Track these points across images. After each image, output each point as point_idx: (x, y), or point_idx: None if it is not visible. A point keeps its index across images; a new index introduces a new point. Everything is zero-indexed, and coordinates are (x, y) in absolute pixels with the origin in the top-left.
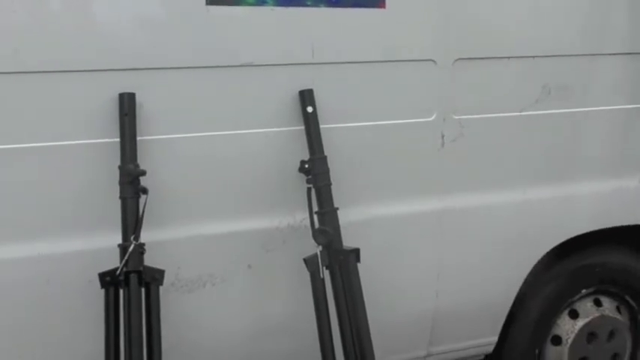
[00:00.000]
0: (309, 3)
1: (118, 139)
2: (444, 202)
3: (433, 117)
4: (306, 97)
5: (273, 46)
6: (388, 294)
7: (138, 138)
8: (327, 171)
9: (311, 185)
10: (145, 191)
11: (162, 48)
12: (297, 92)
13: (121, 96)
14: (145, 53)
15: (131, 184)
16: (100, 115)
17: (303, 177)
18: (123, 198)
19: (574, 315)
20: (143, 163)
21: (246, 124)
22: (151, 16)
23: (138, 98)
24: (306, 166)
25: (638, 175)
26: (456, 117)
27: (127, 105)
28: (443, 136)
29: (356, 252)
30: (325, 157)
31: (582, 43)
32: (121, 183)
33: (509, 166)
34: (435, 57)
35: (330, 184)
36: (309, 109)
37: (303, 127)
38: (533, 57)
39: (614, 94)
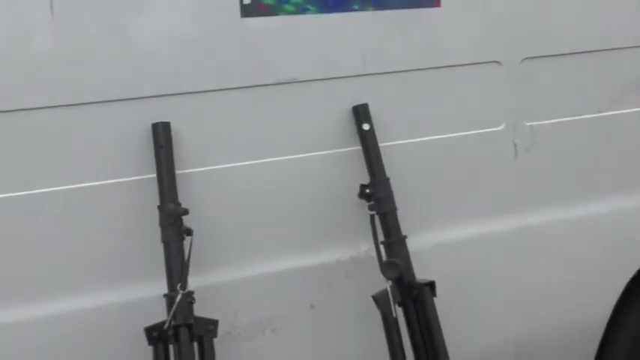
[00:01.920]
0: (355, 7)
1: (154, 175)
2: (521, 220)
3: (502, 126)
4: (360, 112)
5: (319, 58)
6: (465, 327)
7: (176, 172)
8: (391, 195)
9: (374, 212)
10: (189, 232)
11: (196, 69)
12: (350, 108)
13: (155, 126)
14: (177, 77)
15: (173, 226)
16: (132, 150)
17: (364, 203)
18: (165, 241)
19: None
20: (184, 199)
21: (294, 148)
22: (181, 35)
23: (173, 127)
24: (367, 190)
25: None
26: (528, 123)
27: (162, 136)
28: (515, 146)
29: (431, 285)
30: (388, 180)
31: None
32: (162, 225)
33: (590, 174)
34: (499, 57)
35: (395, 210)
36: (366, 126)
37: (359, 147)
38: (610, 50)
39: None
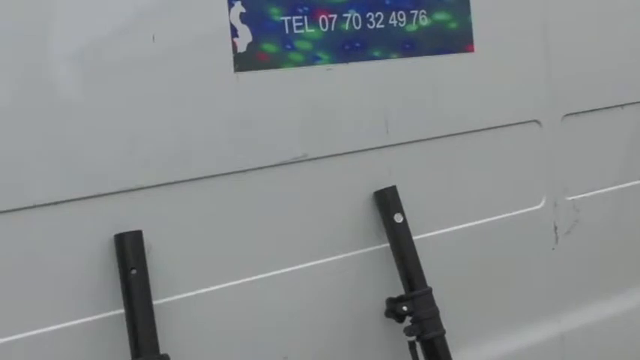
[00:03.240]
0: (376, 54)
1: (122, 311)
2: (566, 323)
3: (542, 203)
4: (388, 199)
5: (332, 125)
6: None
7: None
8: (436, 313)
9: (414, 337)
10: None
11: (168, 152)
12: (372, 194)
13: (120, 238)
14: (145, 165)
15: None
16: (87, 276)
17: (392, 324)
18: None
19: None
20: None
21: (297, 256)
22: (148, 98)
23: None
24: (404, 308)
25: None
26: (569, 198)
27: (132, 253)
28: (556, 229)
29: None
30: (430, 291)
31: None
32: None
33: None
34: (539, 115)
35: (444, 333)
36: (398, 217)
37: (385, 245)
38: None
39: None
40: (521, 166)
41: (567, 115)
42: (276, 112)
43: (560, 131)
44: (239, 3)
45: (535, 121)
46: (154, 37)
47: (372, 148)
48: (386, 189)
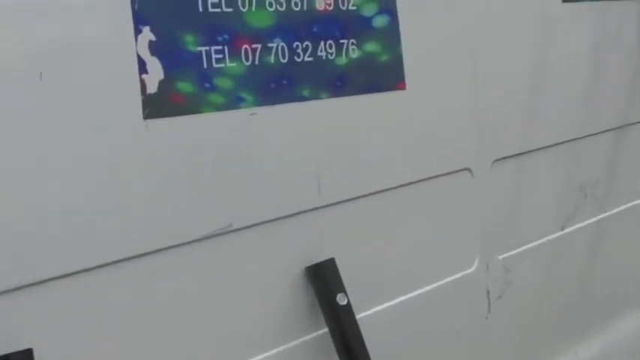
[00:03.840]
0: (305, 93)
1: None
2: None
3: (475, 264)
4: (327, 276)
5: (262, 184)
6: None
7: None
8: None
9: None
10: None
11: (65, 233)
12: (304, 268)
13: None
14: (32, 253)
15: None
16: None
17: None
18: None
19: None
20: None
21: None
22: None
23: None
24: None
25: None
26: (500, 257)
27: None
28: (488, 294)
29: None
30: None
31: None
32: None
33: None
34: (470, 163)
35: None
36: (341, 299)
37: (324, 331)
38: None
39: None
40: (454, 223)
41: (496, 160)
42: (196, 171)
43: (489, 179)
44: (147, 28)
45: (467, 169)
46: (41, 75)
47: (302, 212)
48: (323, 263)
